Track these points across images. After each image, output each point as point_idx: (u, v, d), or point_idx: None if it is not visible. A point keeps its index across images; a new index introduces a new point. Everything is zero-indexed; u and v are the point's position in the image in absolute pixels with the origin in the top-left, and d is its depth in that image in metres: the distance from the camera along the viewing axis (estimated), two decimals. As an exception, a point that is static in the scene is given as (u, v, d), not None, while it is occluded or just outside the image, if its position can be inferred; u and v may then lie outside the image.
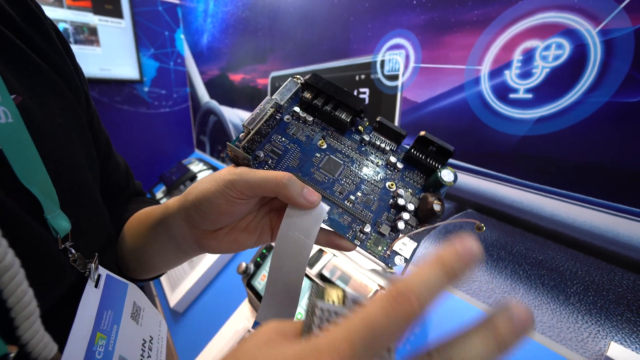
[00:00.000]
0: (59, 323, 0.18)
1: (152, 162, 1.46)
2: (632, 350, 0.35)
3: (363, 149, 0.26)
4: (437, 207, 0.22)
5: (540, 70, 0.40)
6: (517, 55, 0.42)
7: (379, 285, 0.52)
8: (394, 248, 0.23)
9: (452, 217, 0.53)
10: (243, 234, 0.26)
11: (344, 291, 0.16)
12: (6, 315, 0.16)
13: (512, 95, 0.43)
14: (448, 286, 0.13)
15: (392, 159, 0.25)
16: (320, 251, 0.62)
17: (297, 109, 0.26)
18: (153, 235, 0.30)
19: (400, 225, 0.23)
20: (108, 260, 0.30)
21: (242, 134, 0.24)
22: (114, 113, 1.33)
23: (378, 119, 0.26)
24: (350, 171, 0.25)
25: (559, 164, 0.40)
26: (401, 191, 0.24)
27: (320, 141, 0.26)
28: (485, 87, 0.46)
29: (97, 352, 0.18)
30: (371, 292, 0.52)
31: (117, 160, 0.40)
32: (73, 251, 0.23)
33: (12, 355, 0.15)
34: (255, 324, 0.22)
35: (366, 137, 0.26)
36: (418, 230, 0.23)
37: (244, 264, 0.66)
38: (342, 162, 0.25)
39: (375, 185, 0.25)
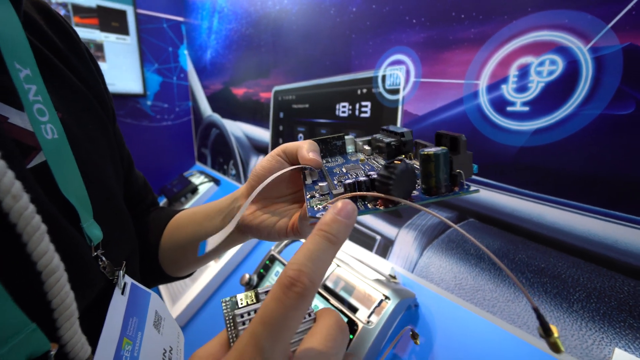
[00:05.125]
0: (88, 326, 0.19)
1: (154, 175, 1.47)
2: (637, 357, 0.36)
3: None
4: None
5: (536, 84, 0.42)
6: (513, 71, 0.44)
7: (383, 295, 0.52)
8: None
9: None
10: (273, 217, 0.29)
11: (255, 290, 0.18)
12: (49, 315, 0.17)
13: (509, 108, 0.45)
14: (334, 252, 0.14)
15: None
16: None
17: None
18: (213, 223, 0.32)
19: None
20: (132, 269, 0.31)
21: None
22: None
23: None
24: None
25: (557, 173, 0.42)
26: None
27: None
28: (484, 100, 0.48)
29: (124, 356, 0.19)
30: (376, 302, 0.52)
31: (136, 174, 0.42)
32: (104, 258, 0.25)
33: (52, 353, 0.16)
34: None
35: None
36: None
37: (247, 275, 0.65)
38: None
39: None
